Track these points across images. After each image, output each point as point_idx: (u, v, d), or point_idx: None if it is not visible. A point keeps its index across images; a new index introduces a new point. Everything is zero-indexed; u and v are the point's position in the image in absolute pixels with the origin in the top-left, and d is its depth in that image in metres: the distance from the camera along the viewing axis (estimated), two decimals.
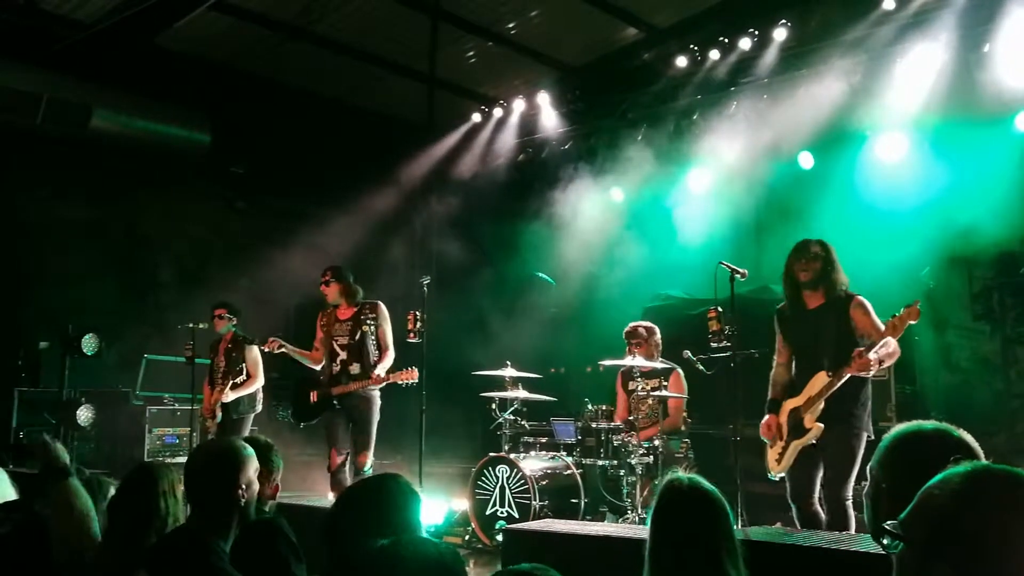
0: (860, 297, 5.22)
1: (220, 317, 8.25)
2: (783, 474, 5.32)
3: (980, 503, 1.37)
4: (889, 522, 1.46)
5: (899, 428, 2.12)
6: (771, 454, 5.43)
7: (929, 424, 2.11)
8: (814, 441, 5.11)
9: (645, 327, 7.64)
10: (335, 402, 7.25)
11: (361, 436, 7.22)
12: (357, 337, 7.32)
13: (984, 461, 1.51)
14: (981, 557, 1.33)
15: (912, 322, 4.83)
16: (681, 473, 2.88)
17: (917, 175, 8.70)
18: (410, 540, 2.63)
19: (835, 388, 5.05)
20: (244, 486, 3.14)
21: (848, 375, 4.99)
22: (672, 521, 2.74)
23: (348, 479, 7.05)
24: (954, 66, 7.95)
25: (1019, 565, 1.32)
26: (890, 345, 4.91)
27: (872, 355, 4.86)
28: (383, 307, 7.47)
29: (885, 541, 1.46)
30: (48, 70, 9.05)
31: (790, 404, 5.34)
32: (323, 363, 7.47)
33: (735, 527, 2.82)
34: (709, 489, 2.81)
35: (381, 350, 7.35)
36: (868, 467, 2.06)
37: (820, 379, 5.14)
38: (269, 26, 9.57)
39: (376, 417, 7.27)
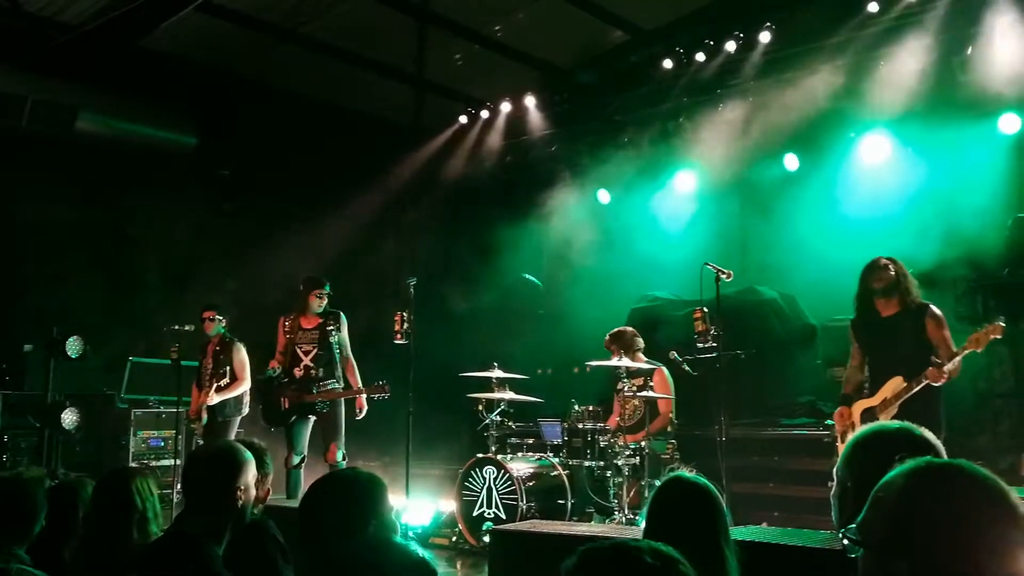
0: (934, 308, 5.63)
1: (209, 319, 8.24)
2: None
3: (924, 499, 1.40)
4: (848, 527, 1.49)
5: (863, 428, 2.16)
6: (842, 448, 5.61)
7: (893, 424, 2.15)
8: None
9: (611, 336, 7.81)
10: (308, 408, 7.56)
11: (330, 433, 7.54)
12: (324, 347, 7.64)
13: (934, 458, 1.53)
14: (933, 551, 1.36)
15: (997, 337, 5.25)
16: (685, 471, 2.91)
17: (901, 177, 8.78)
18: (387, 542, 2.64)
19: (911, 393, 5.38)
20: (242, 488, 3.15)
21: (925, 383, 5.33)
22: (671, 513, 2.75)
23: (303, 476, 7.47)
24: (938, 68, 8.01)
25: (969, 554, 1.35)
26: (957, 360, 5.33)
27: (946, 368, 5.29)
28: (344, 317, 7.84)
29: (846, 543, 1.49)
30: (33, 72, 8.99)
31: (864, 403, 5.68)
32: (284, 367, 7.73)
33: (729, 524, 2.84)
34: (711, 488, 2.84)
35: (344, 359, 7.76)
36: (835, 468, 2.08)
37: (896, 383, 5.48)
38: (256, 28, 9.54)
39: (343, 413, 7.63)
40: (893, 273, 5.69)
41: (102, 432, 9.19)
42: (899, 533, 1.40)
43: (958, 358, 5.31)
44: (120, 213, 10.17)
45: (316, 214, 11.04)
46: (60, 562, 3.62)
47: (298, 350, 7.70)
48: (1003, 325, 5.19)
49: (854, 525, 1.48)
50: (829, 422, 6.87)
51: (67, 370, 8.92)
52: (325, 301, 7.76)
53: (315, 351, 7.65)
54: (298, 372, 7.65)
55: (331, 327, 7.69)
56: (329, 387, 7.61)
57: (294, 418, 7.59)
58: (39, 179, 9.32)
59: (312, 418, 7.60)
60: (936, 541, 1.36)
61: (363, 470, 3.00)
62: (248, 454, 3.29)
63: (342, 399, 7.64)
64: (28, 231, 9.43)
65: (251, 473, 3.23)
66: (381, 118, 11.52)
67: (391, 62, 10.57)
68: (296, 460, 7.54)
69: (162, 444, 9.24)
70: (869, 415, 5.57)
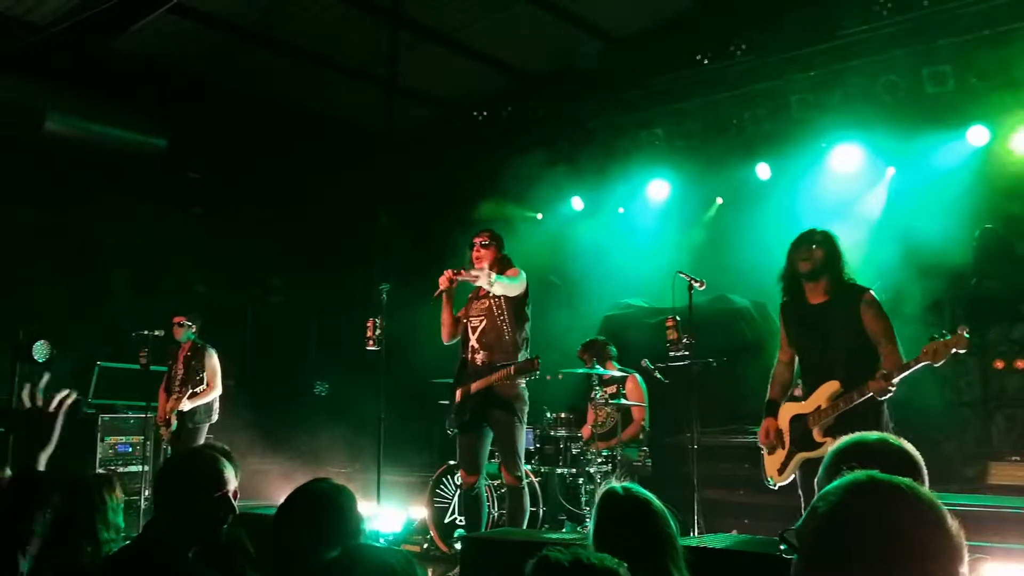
0: (871, 293, 4.75)
1: (180, 325, 8.18)
2: (784, 484, 4.92)
3: (854, 514, 1.41)
4: (787, 530, 1.51)
5: (843, 439, 2.16)
6: (770, 461, 5.00)
7: (872, 435, 2.15)
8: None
9: (583, 346, 7.94)
10: (479, 400, 5.96)
11: (505, 446, 5.97)
12: (491, 320, 5.95)
13: (879, 473, 1.54)
14: (856, 564, 1.38)
15: (960, 351, 4.35)
16: (615, 483, 2.86)
17: (871, 188, 8.88)
18: (363, 548, 2.62)
19: (853, 405, 4.56)
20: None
21: (869, 394, 4.51)
22: (612, 532, 2.70)
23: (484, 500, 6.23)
24: (908, 80, 8.10)
25: (892, 571, 1.36)
26: (907, 373, 4.49)
27: (896, 380, 4.45)
28: (508, 272, 5.97)
29: (783, 548, 1.51)
30: (0, 72, 8.89)
31: (793, 409, 4.92)
32: (461, 354, 6.27)
33: (677, 531, 2.81)
34: (645, 495, 2.79)
35: (518, 334, 5.98)
36: (815, 480, 2.08)
37: (830, 388, 4.69)
38: (227, 30, 9.46)
39: (521, 422, 5.97)
40: (822, 252, 4.82)
41: (68, 437, 9.03)
42: (825, 543, 1.42)
43: (909, 371, 4.43)
44: (88, 215, 10.04)
45: (286, 218, 10.96)
46: (15, 567, 3.57)
47: (468, 328, 6.05)
48: (968, 338, 4.29)
49: (793, 529, 1.50)
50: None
51: (33, 374, 8.79)
52: (490, 254, 5.93)
53: (483, 326, 5.94)
54: (467, 357, 6.07)
55: (497, 294, 5.83)
56: (496, 368, 5.85)
57: (466, 418, 6.00)
58: (5, 180, 9.20)
59: (480, 422, 5.98)
60: (859, 556, 1.38)
61: (333, 482, 2.97)
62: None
63: (520, 406, 5.93)
64: None
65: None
66: (352, 122, 11.46)
67: (363, 66, 10.52)
68: (470, 480, 6.04)
69: (130, 450, 9.12)
70: (800, 424, 4.81)
